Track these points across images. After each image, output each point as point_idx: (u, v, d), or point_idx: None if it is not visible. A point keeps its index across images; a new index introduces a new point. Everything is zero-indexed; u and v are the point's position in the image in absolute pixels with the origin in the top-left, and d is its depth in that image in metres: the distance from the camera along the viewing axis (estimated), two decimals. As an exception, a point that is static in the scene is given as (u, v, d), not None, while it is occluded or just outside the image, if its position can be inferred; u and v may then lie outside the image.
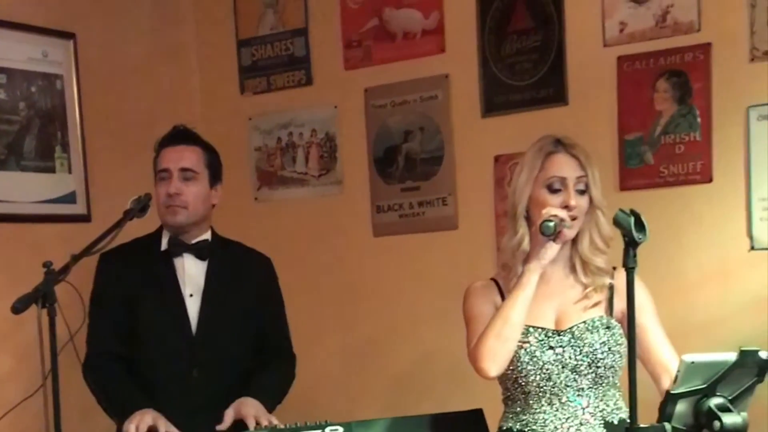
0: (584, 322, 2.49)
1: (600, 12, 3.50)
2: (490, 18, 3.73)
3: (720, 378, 2.00)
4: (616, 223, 2.04)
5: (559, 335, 2.48)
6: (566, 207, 2.43)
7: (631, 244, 2.01)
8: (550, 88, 3.62)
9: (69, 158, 3.82)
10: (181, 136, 3.00)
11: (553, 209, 2.41)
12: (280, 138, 4.25)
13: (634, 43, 3.45)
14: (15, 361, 3.51)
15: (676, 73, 3.38)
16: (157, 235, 3.02)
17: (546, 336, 2.48)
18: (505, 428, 2.54)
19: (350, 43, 4.05)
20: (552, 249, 2.44)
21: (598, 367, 2.45)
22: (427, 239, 3.91)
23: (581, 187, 2.48)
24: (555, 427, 2.45)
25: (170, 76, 4.30)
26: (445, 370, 3.78)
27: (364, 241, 4.05)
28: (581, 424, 2.45)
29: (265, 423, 2.73)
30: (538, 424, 2.47)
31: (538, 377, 2.46)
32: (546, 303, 2.51)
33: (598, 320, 2.49)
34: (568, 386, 2.46)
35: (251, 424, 2.75)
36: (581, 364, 2.45)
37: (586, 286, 2.52)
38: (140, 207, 2.77)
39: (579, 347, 2.45)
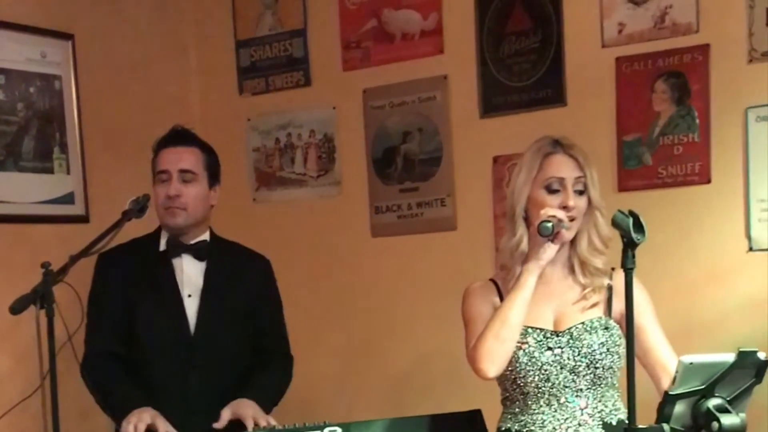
0: (583, 323, 2.49)
1: (598, 13, 3.50)
2: (489, 19, 3.73)
3: (718, 379, 2.00)
4: (615, 224, 2.04)
5: (557, 336, 2.48)
6: (564, 207, 2.44)
7: (629, 245, 2.01)
8: (548, 89, 3.62)
9: (67, 159, 3.82)
10: (179, 137, 3.00)
11: (551, 210, 2.41)
12: (278, 139, 4.25)
13: (632, 44, 3.45)
14: (13, 361, 3.51)
15: (675, 74, 3.38)
16: (155, 236, 3.02)
17: (544, 337, 2.48)
18: (503, 429, 2.54)
19: (349, 44, 4.05)
20: (550, 249, 2.44)
21: (596, 368, 2.45)
22: (426, 240, 3.91)
23: (579, 187, 2.48)
24: (553, 428, 2.45)
25: (169, 76, 4.30)
26: (443, 370, 3.78)
27: (362, 241, 4.05)
28: (579, 424, 2.45)
29: (263, 424, 2.73)
30: (536, 425, 2.47)
31: (536, 378, 2.46)
32: (545, 304, 2.51)
33: (597, 321, 2.49)
34: (566, 387, 2.46)
35: (250, 425, 2.75)
36: (580, 365, 2.45)
37: (584, 287, 2.52)
38: (139, 208, 2.77)
39: (577, 348, 2.45)
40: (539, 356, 2.46)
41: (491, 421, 2.59)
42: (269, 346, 3.08)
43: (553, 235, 2.38)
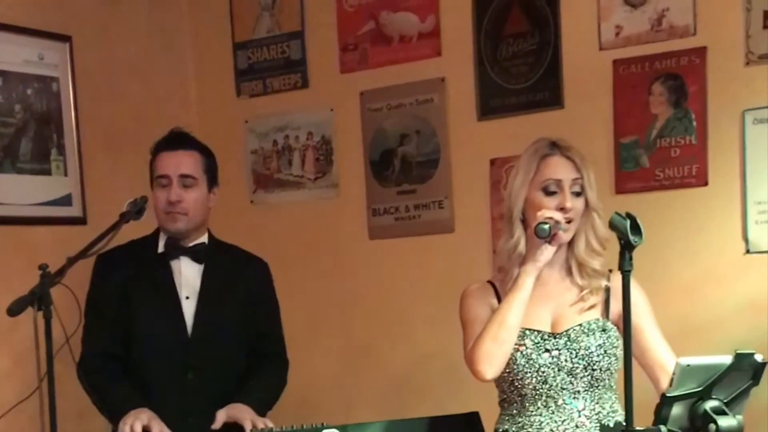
0: (580, 324, 2.49)
1: (596, 15, 3.50)
2: (486, 21, 3.74)
3: (715, 381, 2.00)
4: (612, 226, 2.04)
5: (555, 338, 2.48)
6: (562, 209, 2.44)
7: (627, 248, 2.01)
8: (545, 91, 3.63)
9: (65, 161, 3.82)
10: (178, 140, 2.99)
11: (548, 211, 2.41)
12: (276, 141, 4.25)
13: (629, 46, 3.45)
14: (11, 363, 3.50)
15: (672, 77, 3.39)
16: (153, 238, 3.02)
17: (542, 339, 2.48)
18: (501, 431, 2.54)
19: (346, 46, 4.05)
20: (547, 251, 2.44)
21: (594, 370, 2.45)
22: (424, 242, 3.91)
23: (577, 189, 2.48)
24: (551, 430, 2.45)
25: (166, 78, 4.30)
26: (441, 372, 3.78)
27: (360, 244, 4.05)
28: (577, 426, 2.45)
29: (261, 426, 2.73)
30: (534, 427, 2.47)
31: (534, 380, 2.46)
32: (542, 306, 2.51)
33: (594, 323, 2.49)
34: (564, 389, 2.46)
35: (248, 427, 2.75)
36: (577, 367, 2.45)
37: (582, 289, 2.52)
38: (136, 210, 2.77)
39: (575, 350, 2.45)
40: (537, 358, 2.46)
41: (489, 423, 2.58)
42: (266, 348, 3.07)
43: (550, 237, 2.39)
